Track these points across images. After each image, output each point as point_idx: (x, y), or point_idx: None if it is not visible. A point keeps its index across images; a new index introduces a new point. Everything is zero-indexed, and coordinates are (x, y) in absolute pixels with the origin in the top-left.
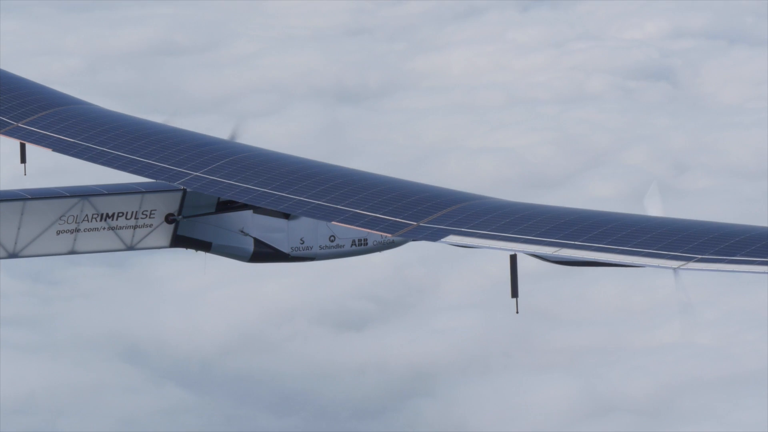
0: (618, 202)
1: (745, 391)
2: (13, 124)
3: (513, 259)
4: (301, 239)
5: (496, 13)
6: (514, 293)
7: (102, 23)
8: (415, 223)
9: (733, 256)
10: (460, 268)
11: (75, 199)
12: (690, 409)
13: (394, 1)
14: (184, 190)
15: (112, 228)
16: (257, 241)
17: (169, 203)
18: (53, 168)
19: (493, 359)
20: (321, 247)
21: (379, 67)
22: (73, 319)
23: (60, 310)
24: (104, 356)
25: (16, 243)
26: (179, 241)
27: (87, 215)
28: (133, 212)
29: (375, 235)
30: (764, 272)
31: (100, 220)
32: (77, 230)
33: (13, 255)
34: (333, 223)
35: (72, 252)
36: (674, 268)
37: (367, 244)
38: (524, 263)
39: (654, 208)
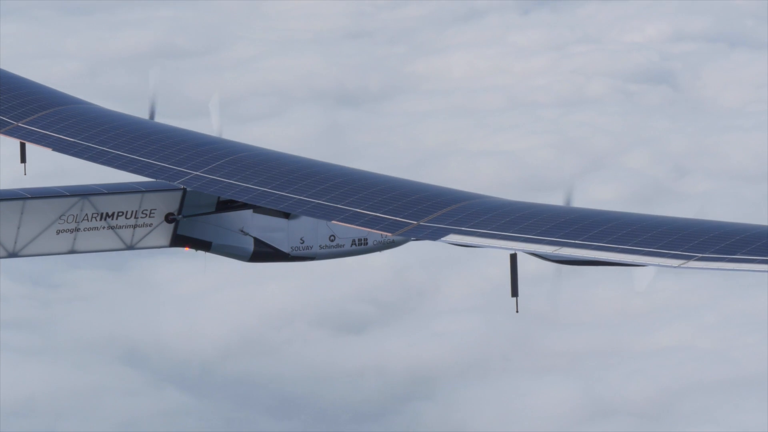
0: (618, 205)
1: (745, 395)
2: (13, 123)
3: (513, 258)
4: (301, 239)
5: (496, 16)
6: (514, 292)
7: (102, 26)
8: (415, 222)
9: (734, 254)
10: (459, 272)
11: (75, 199)
12: (690, 412)
13: (394, 4)
14: (184, 190)
15: (112, 227)
16: (257, 241)
17: (169, 202)
18: (53, 170)
19: (493, 362)
20: (321, 247)
21: (379, 70)
22: (73, 322)
23: (60, 313)
24: (104, 359)
25: (16, 242)
26: (179, 240)
27: (87, 214)
28: (133, 212)
29: (375, 234)
30: (765, 271)
31: (100, 220)
32: (77, 229)
33: (12, 254)
34: (333, 222)
35: (72, 251)
36: (675, 267)
37: (367, 243)
38: (524, 266)
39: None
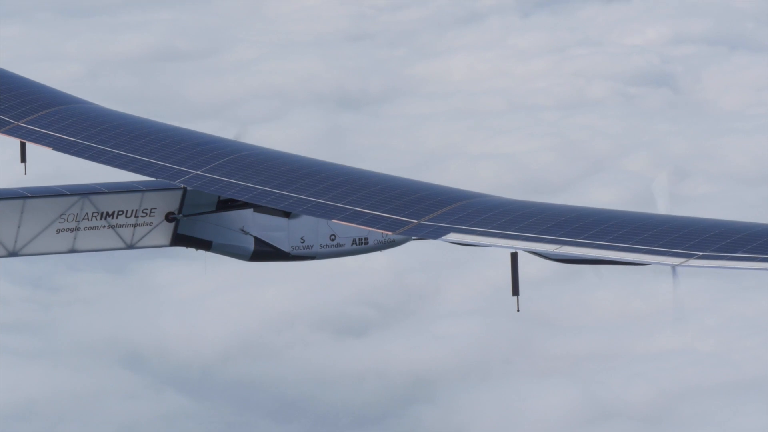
0: (618, 208)
1: (745, 398)
2: (13, 123)
3: (514, 257)
4: (301, 238)
5: (496, 19)
6: (515, 291)
7: (103, 29)
8: (415, 221)
9: (734, 253)
10: (460, 275)
11: (75, 198)
12: (690, 415)
13: (394, 6)
14: (185, 189)
15: (112, 226)
16: (258, 240)
17: (170, 202)
18: (54, 173)
19: (494, 365)
20: (321, 246)
21: (379, 73)
22: (73, 325)
23: (60, 316)
24: (104, 362)
25: (16, 241)
26: (179, 239)
27: (87, 214)
28: (133, 211)
29: (376, 234)
30: (765, 269)
31: (101, 219)
32: (77, 229)
33: (13, 253)
34: (333, 221)
35: (72, 250)
36: (675, 265)
37: (367, 243)
38: (524, 268)
39: (662, 198)
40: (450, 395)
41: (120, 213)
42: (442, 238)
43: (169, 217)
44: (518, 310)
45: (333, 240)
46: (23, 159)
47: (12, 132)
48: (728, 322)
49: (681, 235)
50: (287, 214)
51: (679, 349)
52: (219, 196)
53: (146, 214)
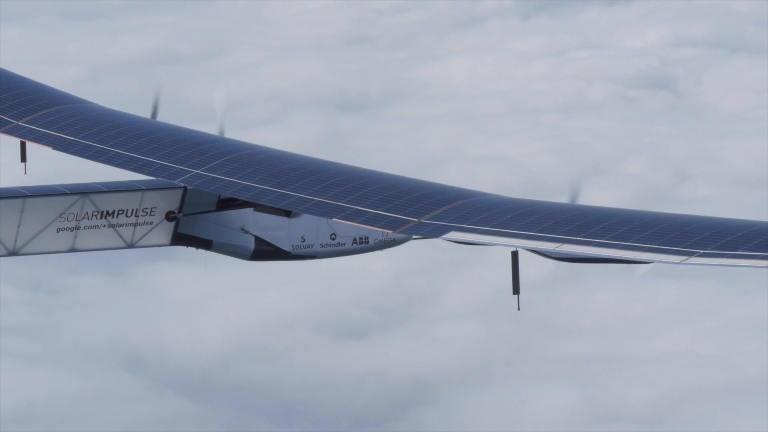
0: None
1: (745, 401)
2: (13, 122)
3: (514, 255)
4: (302, 237)
5: (497, 22)
6: (516, 290)
7: (103, 32)
8: (416, 220)
9: (735, 251)
10: (460, 277)
11: (75, 197)
12: (690, 418)
13: (395, 10)
14: (185, 188)
15: (112, 226)
16: (258, 239)
17: (170, 201)
18: (54, 176)
19: (494, 368)
20: (322, 245)
21: (380, 76)
22: (73, 328)
23: (60, 319)
24: (105, 365)
25: (16, 241)
26: (180, 239)
27: (87, 213)
28: (133, 210)
29: (376, 232)
30: (766, 266)
31: (101, 218)
32: (77, 228)
33: (13, 253)
34: (334, 220)
35: (72, 250)
36: (677, 263)
37: (368, 242)
38: (525, 270)
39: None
40: (450, 398)
41: (120, 212)
42: (443, 236)
43: (170, 217)
44: (519, 309)
45: (333, 239)
46: (23, 158)
47: (12, 131)
48: (728, 324)
49: (682, 233)
50: (288, 213)
51: (680, 351)
52: (219, 196)
53: (146, 213)
